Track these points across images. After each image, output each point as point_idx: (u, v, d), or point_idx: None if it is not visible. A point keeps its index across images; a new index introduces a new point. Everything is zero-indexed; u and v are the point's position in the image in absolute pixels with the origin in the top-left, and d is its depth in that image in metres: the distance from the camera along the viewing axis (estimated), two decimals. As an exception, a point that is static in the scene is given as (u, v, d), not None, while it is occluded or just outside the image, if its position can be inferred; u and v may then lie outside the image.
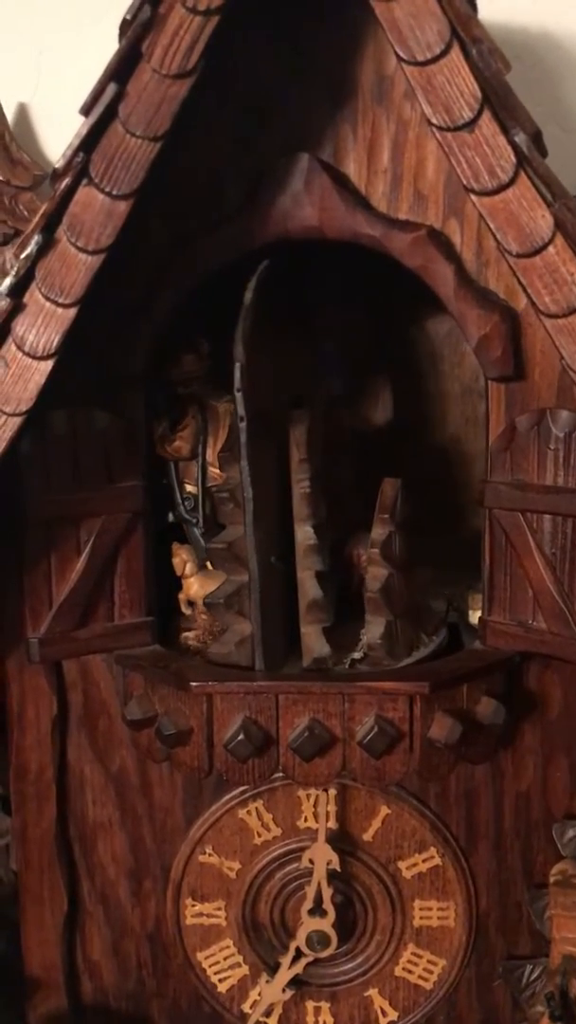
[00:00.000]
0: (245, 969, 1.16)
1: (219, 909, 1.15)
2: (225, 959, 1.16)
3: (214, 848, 1.13)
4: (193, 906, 1.15)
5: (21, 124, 1.34)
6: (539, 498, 0.99)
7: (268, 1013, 1.15)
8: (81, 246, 0.91)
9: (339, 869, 1.10)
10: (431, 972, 1.15)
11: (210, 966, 1.16)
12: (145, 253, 1.00)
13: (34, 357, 0.92)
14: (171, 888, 1.15)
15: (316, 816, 1.10)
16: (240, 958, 1.16)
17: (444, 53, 0.87)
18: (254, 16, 0.94)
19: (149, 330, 1.01)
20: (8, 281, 0.92)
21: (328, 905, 1.10)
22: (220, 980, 1.16)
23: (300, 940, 1.11)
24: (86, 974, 1.18)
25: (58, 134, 1.34)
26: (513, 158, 0.88)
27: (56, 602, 1.04)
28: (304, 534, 1.04)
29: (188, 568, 1.11)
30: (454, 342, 1.24)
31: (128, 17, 0.89)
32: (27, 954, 1.17)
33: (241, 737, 1.01)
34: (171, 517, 1.13)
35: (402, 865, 1.12)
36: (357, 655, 1.05)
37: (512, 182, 0.89)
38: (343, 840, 1.11)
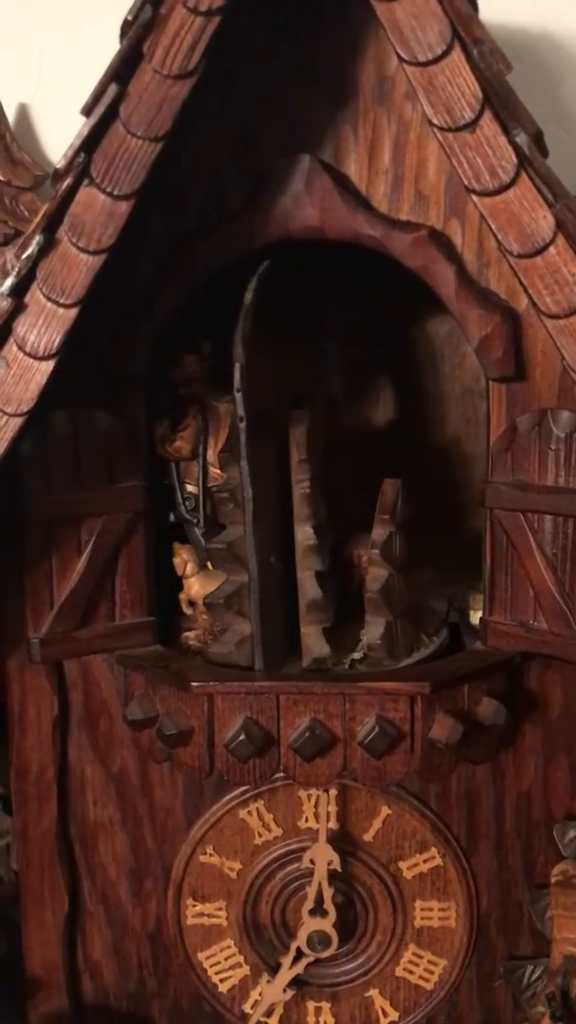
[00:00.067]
0: (246, 969, 1.16)
1: (220, 909, 1.15)
2: (226, 959, 1.16)
3: (215, 848, 1.13)
4: (194, 906, 1.15)
5: (22, 124, 1.34)
6: (540, 498, 0.99)
7: (269, 1013, 1.15)
8: (82, 246, 0.91)
9: (340, 869, 1.10)
10: (432, 972, 1.15)
11: (211, 966, 1.16)
12: (146, 253, 1.00)
13: (35, 357, 0.92)
14: (172, 888, 1.15)
15: (317, 816, 1.10)
16: (241, 958, 1.16)
17: (445, 54, 0.87)
18: (255, 17, 0.94)
19: (150, 330, 1.01)
20: (9, 281, 0.92)
21: (329, 905, 1.10)
22: (221, 980, 1.16)
23: (301, 940, 1.11)
24: (87, 974, 1.18)
25: (59, 134, 1.34)
26: (514, 158, 0.89)
27: (57, 602, 1.04)
28: (304, 534, 1.04)
29: (189, 568, 1.12)
30: (455, 342, 1.24)
31: (129, 18, 0.90)
32: (28, 954, 1.17)
33: (242, 737, 1.01)
34: (172, 517, 1.13)
35: (403, 865, 1.12)
36: (357, 655, 1.05)
37: (513, 182, 0.89)
38: (344, 840, 1.11)
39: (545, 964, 1.11)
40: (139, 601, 1.08)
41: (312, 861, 1.10)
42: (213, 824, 1.12)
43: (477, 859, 1.12)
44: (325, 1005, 1.16)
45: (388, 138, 0.98)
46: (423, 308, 1.19)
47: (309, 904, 1.10)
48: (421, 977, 1.15)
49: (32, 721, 1.12)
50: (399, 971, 1.15)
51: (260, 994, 1.15)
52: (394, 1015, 1.16)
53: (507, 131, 0.88)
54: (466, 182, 0.90)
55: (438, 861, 1.12)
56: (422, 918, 1.14)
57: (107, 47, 0.91)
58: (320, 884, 1.10)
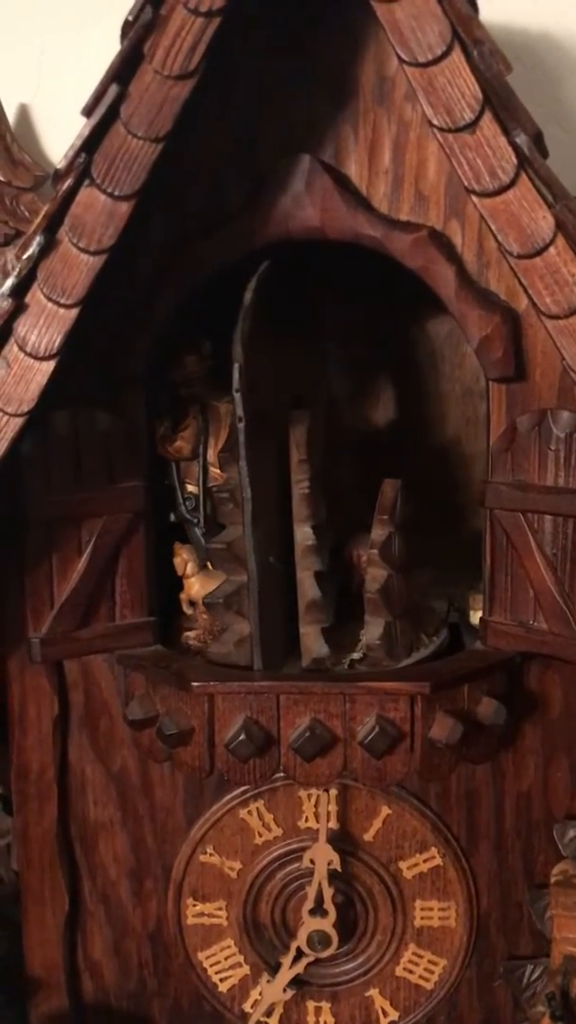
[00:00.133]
0: (246, 969, 1.16)
1: (220, 909, 1.15)
2: (226, 959, 1.16)
3: (215, 848, 1.13)
4: (194, 906, 1.15)
5: (22, 125, 1.34)
6: (540, 498, 0.99)
7: (269, 1013, 1.15)
8: (83, 247, 0.91)
9: (340, 869, 1.10)
10: (432, 972, 1.15)
11: (211, 966, 1.16)
12: (146, 254, 1.00)
13: (36, 358, 0.92)
14: (172, 888, 1.15)
15: (317, 816, 1.10)
16: (241, 958, 1.16)
17: (445, 54, 0.87)
18: (256, 17, 0.94)
19: (150, 330, 1.01)
20: (10, 282, 0.92)
21: (329, 905, 1.10)
22: (221, 980, 1.16)
23: (301, 940, 1.11)
24: (87, 974, 1.18)
25: (59, 135, 1.34)
26: (514, 159, 0.89)
27: (57, 602, 1.05)
28: (303, 534, 1.04)
29: (189, 568, 1.12)
30: (455, 343, 1.25)
31: (130, 18, 0.90)
32: (28, 954, 1.17)
33: (242, 737, 1.01)
34: (172, 517, 1.13)
35: (403, 865, 1.12)
36: (356, 656, 1.05)
37: (513, 183, 0.89)
38: (344, 840, 1.11)
39: (545, 964, 1.11)
40: (139, 601, 1.08)
41: (312, 861, 1.10)
42: (213, 824, 1.12)
43: (477, 859, 1.12)
44: (325, 1005, 1.16)
45: (388, 138, 0.98)
46: (423, 308, 1.19)
47: (309, 904, 1.10)
48: (421, 977, 1.15)
49: (32, 721, 1.12)
50: (399, 971, 1.15)
51: (260, 994, 1.15)
52: (394, 1015, 1.16)
53: (507, 132, 0.88)
54: (466, 183, 0.90)
55: (438, 861, 1.12)
56: (422, 918, 1.14)
57: (108, 47, 0.91)
58: (320, 884, 1.10)
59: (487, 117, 0.88)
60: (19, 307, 0.92)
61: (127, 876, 1.16)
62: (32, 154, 1.31)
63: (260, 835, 1.13)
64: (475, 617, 1.10)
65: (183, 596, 1.13)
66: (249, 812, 1.12)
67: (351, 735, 1.01)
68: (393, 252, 0.98)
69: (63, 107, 1.30)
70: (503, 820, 1.12)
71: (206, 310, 1.01)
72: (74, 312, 0.92)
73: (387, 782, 1.04)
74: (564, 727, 1.09)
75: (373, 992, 1.16)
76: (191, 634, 1.11)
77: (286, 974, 1.13)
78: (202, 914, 1.15)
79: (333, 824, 1.11)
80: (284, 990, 1.13)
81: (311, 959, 1.12)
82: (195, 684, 1.01)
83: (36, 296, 0.92)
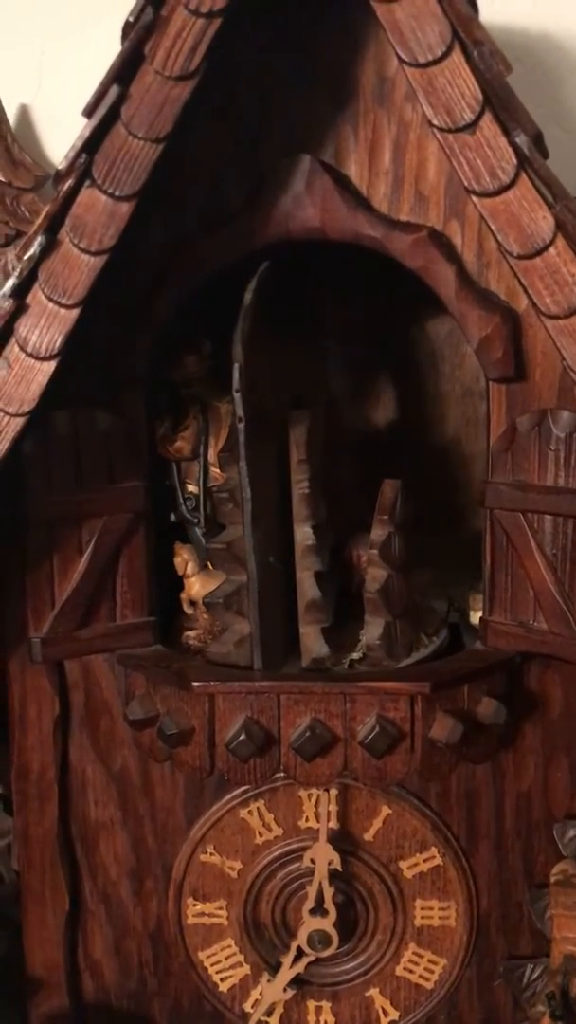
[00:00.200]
0: (246, 968, 1.16)
1: (220, 908, 1.15)
2: (226, 958, 1.16)
3: (215, 848, 1.13)
4: (194, 905, 1.15)
5: (23, 125, 1.34)
6: (540, 498, 0.99)
7: (269, 1012, 1.15)
8: (84, 247, 0.91)
9: (340, 869, 1.11)
10: (432, 972, 1.15)
11: (211, 965, 1.16)
12: (147, 254, 1.00)
13: (37, 358, 0.93)
14: (173, 887, 1.15)
15: (317, 816, 1.10)
16: (241, 957, 1.16)
17: (445, 55, 0.87)
18: (256, 18, 0.94)
19: (151, 331, 1.01)
20: (11, 282, 0.92)
21: (329, 905, 1.10)
22: (222, 979, 1.17)
23: (301, 939, 1.11)
24: (88, 973, 1.18)
25: (60, 136, 1.34)
26: (514, 159, 0.89)
27: (58, 602, 1.05)
28: (303, 534, 1.04)
29: (189, 568, 1.12)
30: (455, 343, 1.25)
31: (131, 19, 0.90)
32: (29, 953, 1.17)
33: (243, 737, 1.01)
34: (173, 517, 1.14)
35: (403, 865, 1.13)
36: (356, 655, 1.05)
37: (513, 183, 0.89)
38: (344, 840, 1.12)
39: (545, 963, 1.11)
40: (140, 601, 1.08)
41: (312, 860, 1.10)
42: (214, 823, 1.13)
43: (477, 859, 1.13)
44: (325, 1004, 1.16)
45: (388, 139, 0.98)
46: (423, 308, 1.19)
47: (309, 903, 1.10)
48: (421, 976, 1.15)
49: (33, 721, 1.12)
50: (399, 970, 1.15)
51: (261, 993, 1.16)
52: (394, 1014, 1.16)
53: (507, 132, 0.89)
54: (466, 183, 0.90)
55: (438, 860, 1.12)
56: (422, 917, 1.14)
57: (108, 48, 0.91)
58: (320, 883, 1.10)
59: (487, 117, 0.88)
60: (20, 307, 0.92)
61: (128, 876, 1.16)
62: (33, 155, 1.31)
63: (260, 835, 1.13)
64: (475, 617, 1.10)
65: (183, 596, 1.13)
66: (249, 812, 1.12)
67: (351, 735, 1.01)
68: (393, 252, 0.98)
69: (64, 108, 1.30)
70: (503, 820, 1.12)
71: (206, 310, 1.01)
72: (75, 312, 0.92)
73: (387, 782, 1.04)
74: (564, 727, 1.09)
75: (373, 991, 1.16)
76: (191, 634, 1.11)
77: (286, 973, 1.13)
78: (202, 914, 1.15)
79: (333, 824, 1.11)
80: (284, 990, 1.14)
81: (311, 959, 1.12)
82: (196, 684, 1.01)
83: (37, 296, 0.92)
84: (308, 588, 1.04)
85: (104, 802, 1.14)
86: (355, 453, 1.24)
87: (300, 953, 1.12)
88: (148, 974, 1.18)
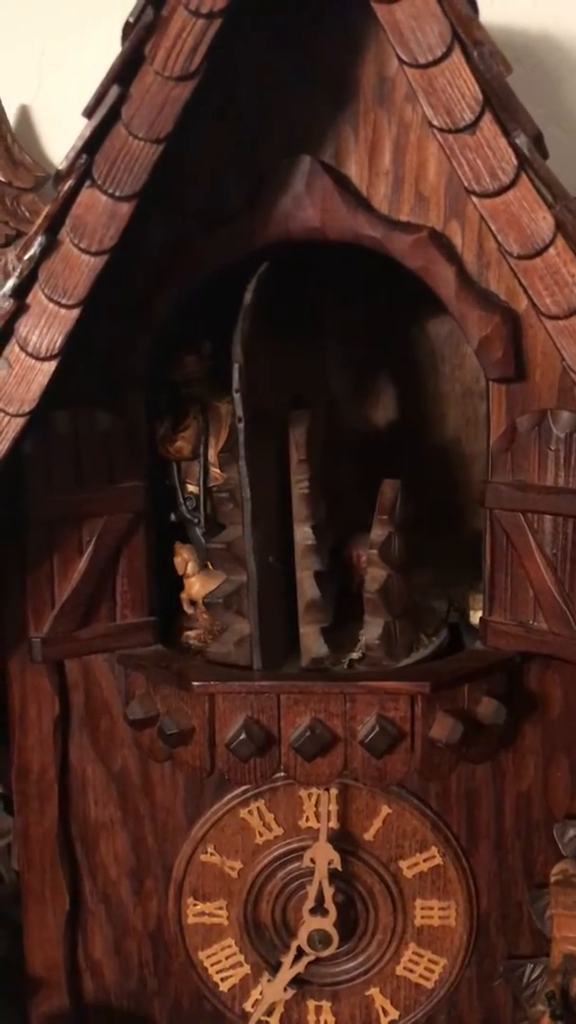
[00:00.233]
0: (247, 968, 1.16)
1: (221, 908, 1.15)
2: (227, 958, 1.16)
3: (216, 847, 1.13)
4: (195, 905, 1.15)
5: (23, 126, 1.34)
6: (540, 499, 0.99)
7: (270, 1012, 1.15)
8: (84, 247, 0.91)
9: (340, 868, 1.11)
10: (432, 971, 1.15)
11: (212, 965, 1.16)
12: (147, 254, 1.00)
13: (37, 358, 0.93)
14: (173, 887, 1.15)
15: (317, 815, 1.10)
16: (242, 957, 1.16)
17: (445, 55, 0.87)
18: (256, 19, 0.94)
19: (151, 331, 1.01)
20: (11, 282, 0.92)
21: (329, 904, 1.10)
22: (222, 979, 1.17)
23: (301, 939, 1.11)
24: (88, 973, 1.18)
25: (60, 136, 1.34)
26: (514, 160, 0.89)
27: (58, 602, 1.05)
28: (303, 534, 1.04)
29: (190, 568, 1.12)
30: (455, 343, 1.25)
31: (131, 19, 0.90)
32: (29, 953, 1.17)
33: (243, 737, 1.01)
34: (173, 517, 1.14)
35: (403, 864, 1.13)
36: (355, 655, 1.06)
37: (513, 184, 0.89)
38: (344, 839, 1.12)
39: (545, 963, 1.11)
40: (140, 601, 1.08)
41: (313, 860, 1.10)
42: (214, 823, 1.13)
43: (477, 858, 1.13)
44: (326, 1004, 1.16)
45: (388, 139, 0.98)
46: (423, 308, 1.19)
47: (310, 903, 1.11)
48: (421, 976, 1.15)
49: (33, 721, 1.12)
50: (399, 970, 1.15)
51: (261, 993, 1.16)
52: (394, 1014, 1.16)
53: (507, 132, 0.89)
54: (466, 183, 0.91)
55: (438, 860, 1.12)
56: (422, 917, 1.14)
57: (108, 48, 0.92)
58: (321, 883, 1.10)
59: (487, 118, 0.88)
60: (20, 307, 0.92)
61: (128, 876, 1.16)
62: (33, 155, 1.32)
63: (261, 834, 1.13)
64: (475, 617, 1.10)
65: (184, 596, 1.13)
66: (250, 811, 1.12)
67: (351, 735, 1.02)
68: (393, 253, 0.98)
69: (64, 108, 1.30)
70: (503, 820, 1.12)
71: (206, 310, 1.01)
72: (75, 312, 0.92)
73: (387, 781, 1.04)
74: (564, 727, 1.09)
75: (373, 991, 1.16)
76: (191, 634, 1.11)
77: (287, 973, 1.13)
78: (203, 913, 1.15)
79: (333, 823, 1.11)
80: (285, 989, 1.14)
81: (312, 958, 1.12)
82: (196, 684, 1.01)
83: (37, 297, 0.92)
84: (308, 588, 1.04)
85: (104, 802, 1.14)
86: (355, 453, 1.24)
87: (300, 953, 1.12)
88: (148, 974, 1.18)
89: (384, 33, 0.88)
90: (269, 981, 1.14)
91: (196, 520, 1.13)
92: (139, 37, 0.88)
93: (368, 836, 1.12)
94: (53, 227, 0.91)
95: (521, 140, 0.89)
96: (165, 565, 1.12)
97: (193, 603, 1.12)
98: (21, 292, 0.92)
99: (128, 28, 0.91)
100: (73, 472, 1.03)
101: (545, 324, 0.93)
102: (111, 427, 1.03)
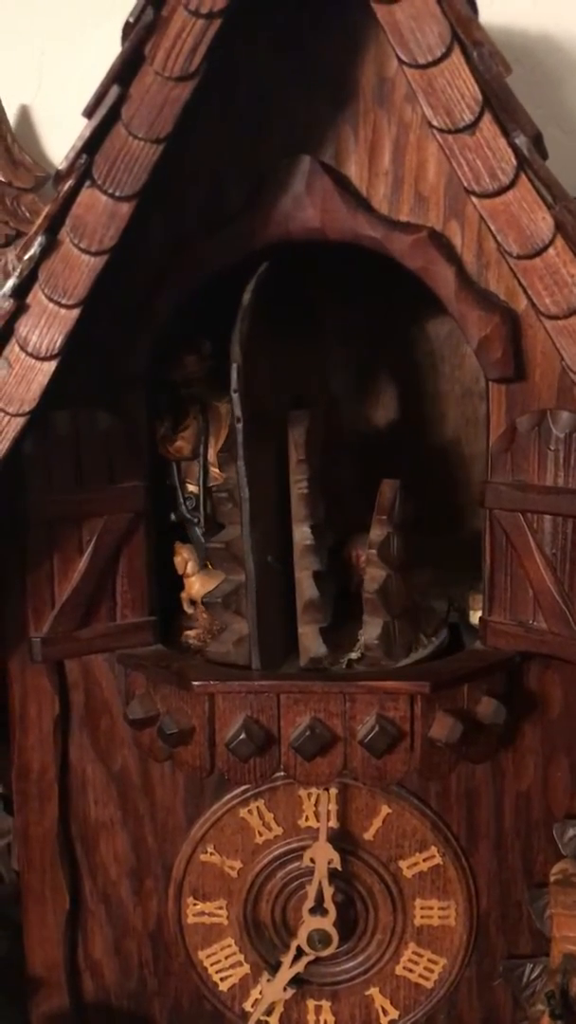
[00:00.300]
0: (246, 968, 1.16)
1: (220, 908, 1.15)
2: (226, 958, 1.16)
3: (215, 847, 1.14)
4: (194, 905, 1.15)
5: (23, 126, 1.34)
6: (539, 499, 0.99)
7: (269, 1012, 1.15)
8: (84, 247, 0.91)
9: (340, 868, 1.11)
10: (432, 971, 1.15)
11: (211, 965, 1.16)
12: (147, 254, 1.00)
13: (37, 358, 0.93)
14: (173, 887, 1.15)
15: (317, 815, 1.10)
16: (241, 957, 1.16)
17: (445, 56, 0.87)
18: (256, 19, 0.94)
19: (151, 331, 1.02)
20: (11, 282, 0.93)
21: (329, 904, 1.10)
22: (221, 979, 1.17)
23: (301, 939, 1.11)
24: (88, 973, 1.18)
25: (60, 136, 1.34)
26: (514, 160, 0.89)
27: (58, 602, 1.05)
28: (301, 534, 1.04)
29: (190, 567, 1.12)
30: (454, 343, 1.25)
31: (131, 20, 0.90)
32: (29, 953, 1.17)
33: (243, 736, 1.01)
34: (173, 517, 1.14)
35: (403, 864, 1.13)
36: (354, 655, 1.06)
37: (513, 184, 0.90)
38: (344, 839, 1.12)
39: (544, 963, 1.11)
40: (140, 600, 1.08)
41: (312, 860, 1.10)
42: (214, 823, 1.13)
43: (477, 858, 1.13)
44: (325, 1003, 1.16)
45: (388, 139, 0.98)
46: (423, 309, 1.19)
47: (309, 903, 1.11)
48: (421, 976, 1.15)
49: (33, 721, 1.12)
50: (399, 970, 1.15)
51: (260, 993, 1.16)
52: (394, 1014, 1.16)
53: (507, 133, 0.89)
54: (466, 184, 0.91)
55: (438, 860, 1.12)
56: (422, 917, 1.14)
57: (108, 49, 0.92)
58: (320, 883, 1.10)
59: (487, 118, 0.88)
60: (20, 307, 0.92)
61: (128, 875, 1.16)
62: (33, 155, 1.32)
63: (260, 834, 1.13)
64: (475, 617, 1.10)
65: (184, 595, 1.13)
66: (249, 811, 1.12)
67: (351, 734, 1.02)
68: (393, 253, 0.98)
69: (64, 108, 1.30)
70: (503, 819, 1.12)
71: (206, 310, 1.01)
72: (75, 312, 0.92)
73: (387, 781, 1.04)
74: (564, 727, 1.09)
75: (373, 991, 1.16)
76: (191, 633, 1.11)
77: (286, 973, 1.13)
78: (202, 913, 1.15)
79: (333, 823, 1.11)
80: (284, 989, 1.14)
81: (311, 958, 1.12)
82: (196, 683, 1.01)
83: (37, 296, 0.92)
84: (306, 588, 1.04)
85: (104, 802, 1.14)
86: (355, 453, 1.24)
87: (300, 952, 1.12)
88: (148, 974, 1.18)
89: (384, 33, 0.88)
90: (269, 981, 1.14)
91: (196, 520, 1.13)
92: (139, 37, 0.88)
93: (368, 836, 1.12)
94: (53, 227, 0.91)
95: (521, 140, 0.89)
96: (165, 565, 1.12)
97: (193, 603, 1.12)
98: (21, 292, 0.92)
99: (128, 28, 0.91)
100: (73, 472, 1.03)
101: (545, 324, 0.93)
102: (111, 427, 1.03)
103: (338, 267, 1.10)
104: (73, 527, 1.04)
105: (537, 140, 0.91)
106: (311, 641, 1.04)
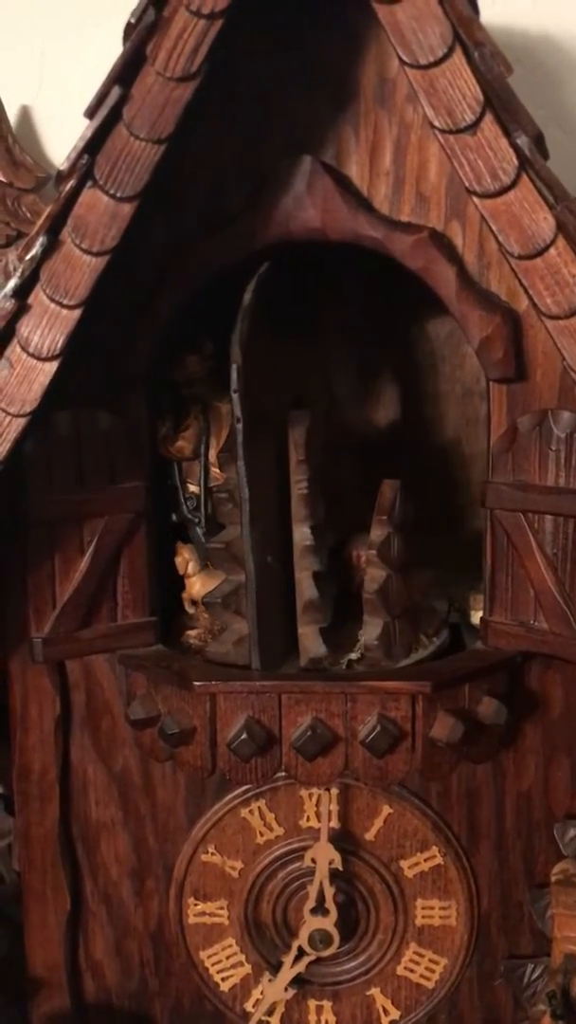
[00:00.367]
0: (247, 968, 1.16)
1: (221, 908, 1.15)
2: (227, 958, 1.16)
3: (216, 847, 1.14)
4: (195, 905, 1.15)
5: (24, 126, 1.35)
6: (540, 499, 0.99)
7: (270, 1012, 1.15)
8: (85, 248, 0.91)
9: (341, 868, 1.11)
10: (433, 971, 1.15)
11: (212, 965, 1.16)
12: (148, 254, 1.00)
13: (39, 358, 0.93)
14: (174, 887, 1.15)
15: (318, 815, 1.10)
16: (242, 957, 1.16)
17: (446, 56, 0.87)
18: (257, 19, 0.94)
19: (152, 331, 1.02)
20: (13, 283, 0.92)
21: (330, 904, 1.10)
22: (223, 979, 1.17)
23: (302, 939, 1.11)
24: (89, 973, 1.18)
25: (60, 136, 1.34)
26: (515, 160, 0.89)
27: (59, 602, 1.05)
28: (301, 535, 1.04)
29: (191, 567, 1.12)
30: (455, 343, 1.25)
31: (132, 20, 0.90)
32: (30, 954, 1.17)
33: (244, 736, 1.01)
34: (174, 517, 1.14)
35: (404, 864, 1.13)
36: (354, 656, 1.06)
37: (514, 184, 0.90)
38: (345, 839, 1.12)
39: (546, 963, 1.11)
40: (141, 601, 1.08)
41: (313, 860, 1.10)
42: (215, 823, 1.13)
43: (478, 858, 1.13)
44: (326, 1004, 1.16)
45: (389, 140, 0.98)
46: (423, 309, 1.19)
47: (310, 903, 1.11)
48: (422, 976, 1.15)
49: (34, 721, 1.12)
50: (400, 970, 1.15)
51: (262, 993, 1.16)
52: (395, 1014, 1.16)
53: (508, 133, 0.89)
54: (467, 184, 0.91)
55: (439, 860, 1.12)
56: (423, 917, 1.14)
57: (109, 49, 0.92)
58: (321, 883, 1.10)
59: (488, 118, 0.88)
60: (22, 308, 0.92)
61: (129, 876, 1.16)
62: (34, 155, 1.32)
63: (262, 834, 1.13)
64: (476, 617, 1.10)
65: (185, 595, 1.13)
66: (251, 811, 1.12)
67: (352, 734, 1.02)
68: (394, 253, 0.98)
69: (65, 108, 1.30)
70: (504, 819, 1.12)
71: (208, 310, 1.01)
72: (77, 313, 0.92)
73: (388, 781, 1.04)
74: (565, 727, 1.09)
75: (374, 991, 1.16)
76: (192, 633, 1.11)
77: (287, 973, 1.13)
78: (203, 913, 1.15)
79: (334, 823, 1.11)
80: (285, 989, 1.14)
81: (312, 958, 1.12)
82: (197, 684, 1.01)
83: (39, 297, 0.92)
84: (306, 588, 1.04)
85: (105, 802, 1.14)
86: (355, 453, 1.24)
87: (301, 952, 1.12)
88: (149, 974, 1.18)
89: (385, 34, 0.88)
90: (270, 981, 1.14)
91: (197, 520, 1.13)
92: (140, 38, 0.88)
93: (369, 836, 1.12)
94: (55, 227, 0.91)
95: (522, 141, 0.89)
96: (166, 565, 1.12)
97: (194, 603, 1.12)
98: (23, 292, 0.92)
99: (129, 28, 0.91)
100: (74, 472, 1.03)
101: (546, 324, 0.93)
102: (112, 427, 1.03)
103: (339, 267, 1.10)
104: (74, 527, 1.04)
105: (538, 140, 0.91)
106: (311, 641, 1.04)
